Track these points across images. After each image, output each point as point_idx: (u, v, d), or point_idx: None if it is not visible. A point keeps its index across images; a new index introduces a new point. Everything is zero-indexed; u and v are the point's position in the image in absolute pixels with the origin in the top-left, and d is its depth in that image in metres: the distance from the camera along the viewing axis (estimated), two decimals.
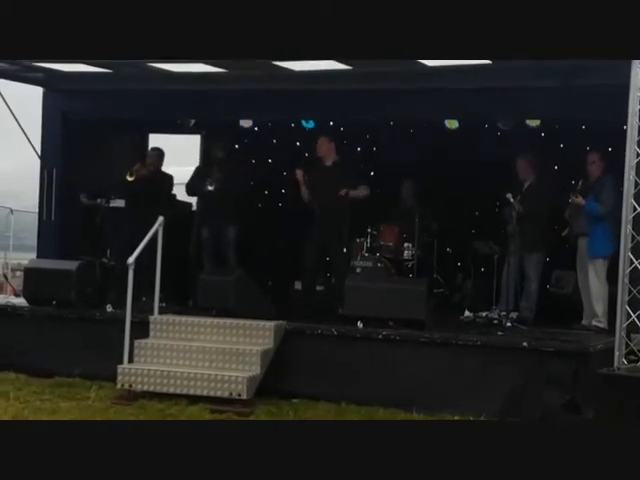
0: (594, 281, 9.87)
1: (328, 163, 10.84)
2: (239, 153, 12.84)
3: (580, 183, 10.06)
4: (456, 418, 8.23)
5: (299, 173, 10.74)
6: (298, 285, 11.43)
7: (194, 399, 8.79)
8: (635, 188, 8.24)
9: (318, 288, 11.12)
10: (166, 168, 11.69)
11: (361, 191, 10.61)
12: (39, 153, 11.80)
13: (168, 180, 11.68)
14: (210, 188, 10.96)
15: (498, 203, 11.08)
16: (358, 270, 10.68)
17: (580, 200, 9.88)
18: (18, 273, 14.24)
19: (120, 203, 11.10)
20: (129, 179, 11.06)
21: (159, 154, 11.63)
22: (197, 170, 11.56)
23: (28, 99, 12.47)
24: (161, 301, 9.84)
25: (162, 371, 9.04)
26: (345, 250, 10.79)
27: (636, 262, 8.20)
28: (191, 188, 11.39)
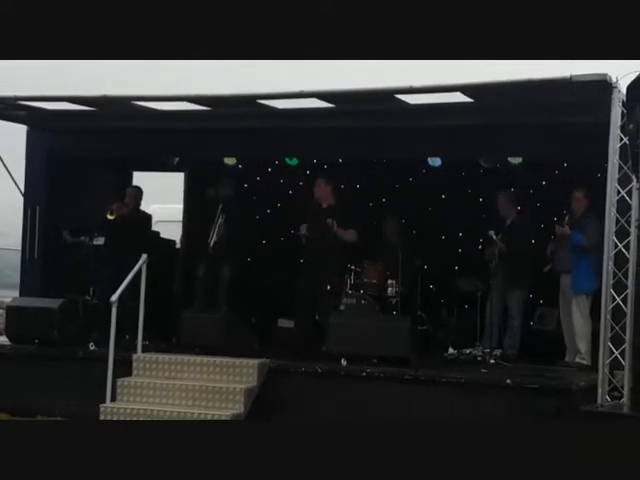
0: (577, 318, 9.88)
1: (324, 205, 10.90)
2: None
3: (567, 216, 10.08)
4: None
5: (303, 229, 10.75)
6: (282, 322, 11.38)
7: None
8: (616, 225, 8.30)
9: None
10: (148, 206, 11.68)
11: (348, 235, 10.59)
12: (22, 191, 11.77)
13: (147, 219, 11.68)
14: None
15: (481, 240, 11.11)
16: (342, 307, 10.67)
17: (566, 229, 9.86)
18: (0, 311, 14.16)
19: (103, 241, 11.10)
20: (110, 217, 11.06)
21: (137, 192, 11.61)
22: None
23: (11, 137, 12.47)
24: (145, 339, 9.81)
25: (145, 410, 8.99)
26: (329, 287, 10.78)
27: (618, 299, 8.24)
28: None
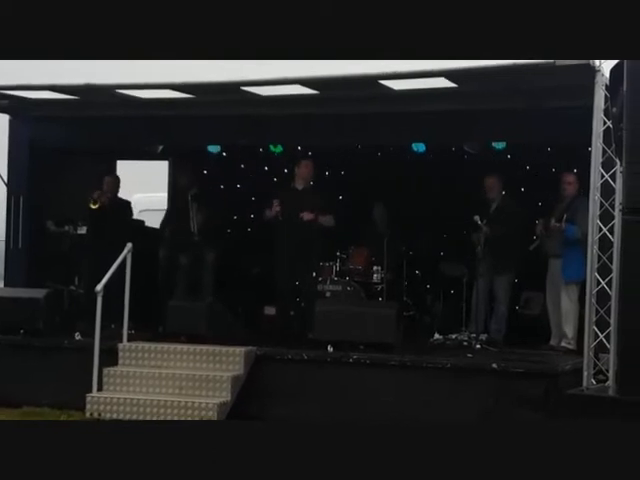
0: (566, 303, 9.88)
1: (299, 187, 10.84)
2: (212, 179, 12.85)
3: (555, 209, 10.07)
4: None
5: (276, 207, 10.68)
6: (269, 310, 11.39)
7: None
8: (600, 209, 8.32)
9: (291, 313, 11.07)
10: (131, 195, 11.64)
11: (327, 220, 10.59)
12: (5, 180, 11.71)
13: (126, 205, 11.68)
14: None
15: (466, 225, 11.12)
16: (327, 294, 10.68)
17: (562, 226, 9.80)
18: None
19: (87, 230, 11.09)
20: (93, 207, 11.03)
21: (115, 181, 11.58)
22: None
23: None
24: (130, 328, 9.79)
25: (131, 399, 8.99)
26: (314, 274, 10.78)
27: (603, 282, 8.27)
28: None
